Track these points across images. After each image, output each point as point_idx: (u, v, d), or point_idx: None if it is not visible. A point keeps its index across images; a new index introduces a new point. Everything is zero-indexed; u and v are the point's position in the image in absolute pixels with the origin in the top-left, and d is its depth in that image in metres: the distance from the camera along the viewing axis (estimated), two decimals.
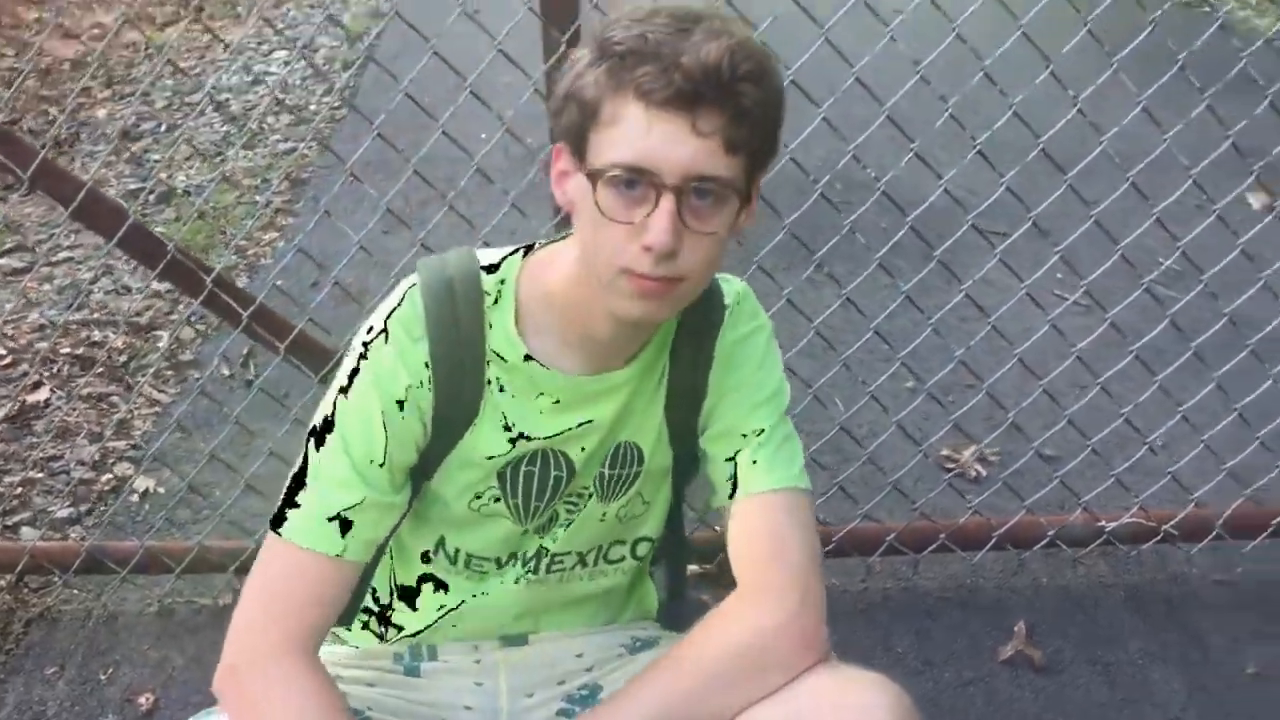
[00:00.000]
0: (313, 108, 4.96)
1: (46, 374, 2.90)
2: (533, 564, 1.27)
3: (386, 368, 1.13)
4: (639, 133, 1.01)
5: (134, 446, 2.65)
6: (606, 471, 1.25)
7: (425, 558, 1.28)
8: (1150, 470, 2.35)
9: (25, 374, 2.89)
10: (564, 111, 1.07)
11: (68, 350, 3.01)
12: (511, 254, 1.20)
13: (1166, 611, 2.18)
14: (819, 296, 3.01)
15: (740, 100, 1.01)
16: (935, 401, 2.33)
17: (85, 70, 5.44)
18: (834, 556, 2.18)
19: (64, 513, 2.44)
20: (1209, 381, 2.20)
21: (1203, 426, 2.28)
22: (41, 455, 2.59)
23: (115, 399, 2.83)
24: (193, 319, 3.20)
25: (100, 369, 2.91)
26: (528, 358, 1.16)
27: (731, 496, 1.21)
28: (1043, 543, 2.21)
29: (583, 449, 1.22)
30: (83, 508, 2.46)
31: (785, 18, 1.90)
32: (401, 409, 1.13)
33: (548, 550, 1.27)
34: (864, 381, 2.18)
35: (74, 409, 2.75)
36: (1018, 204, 2.06)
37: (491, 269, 1.18)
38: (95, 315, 3.20)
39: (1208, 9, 5.71)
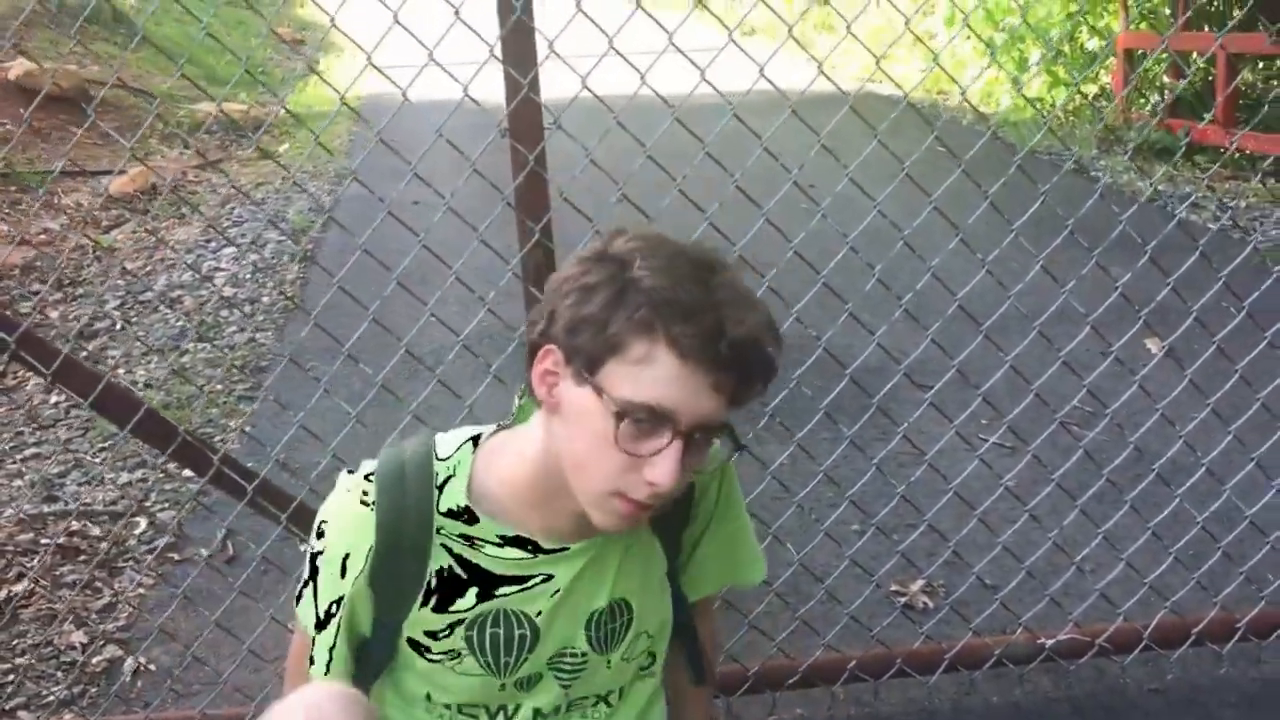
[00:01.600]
0: (265, 300, 5.18)
1: (29, 564, 2.99)
2: (554, 709, 1.40)
3: (339, 530, 1.30)
4: (669, 381, 1.12)
5: (122, 628, 2.75)
6: (593, 633, 1.35)
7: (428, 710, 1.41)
8: (1081, 590, 2.57)
9: (7, 565, 2.99)
10: (578, 331, 1.15)
11: (47, 541, 3.11)
12: (463, 444, 1.33)
13: None
14: (767, 451, 3.24)
15: (757, 370, 1.16)
16: (883, 537, 2.54)
17: (34, 274, 5.63)
18: (800, 688, 2.34)
19: (59, 695, 2.52)
20: (1123, 505, 2.45)
21: (1123, 546, 2.51)
22: (30, 642, 2.68)
23: (99, 584, 2.93)
24: (167, 505, 3.32)
25: (82, 557, 3.01)
26: (478, 518, 1.29)
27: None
28: (990, 663, 2.40)
29: (541, 609, 1.32)
30: (76, 689, 2.54)
31: (729, 202, 2.18)
32: (346, 566, 1.30)
33: (566, 697, 1.39)
34: (817, 520, 2.39)
35: (59, 597, 2.85)
36: (945, 362, 2.32)
37: (443, 459, 1.31)
38: (71, 506, 3.31)
39: (1094, 175, 6.23)
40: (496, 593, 1.31)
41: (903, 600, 2.70)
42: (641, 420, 1.13)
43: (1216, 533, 2.54)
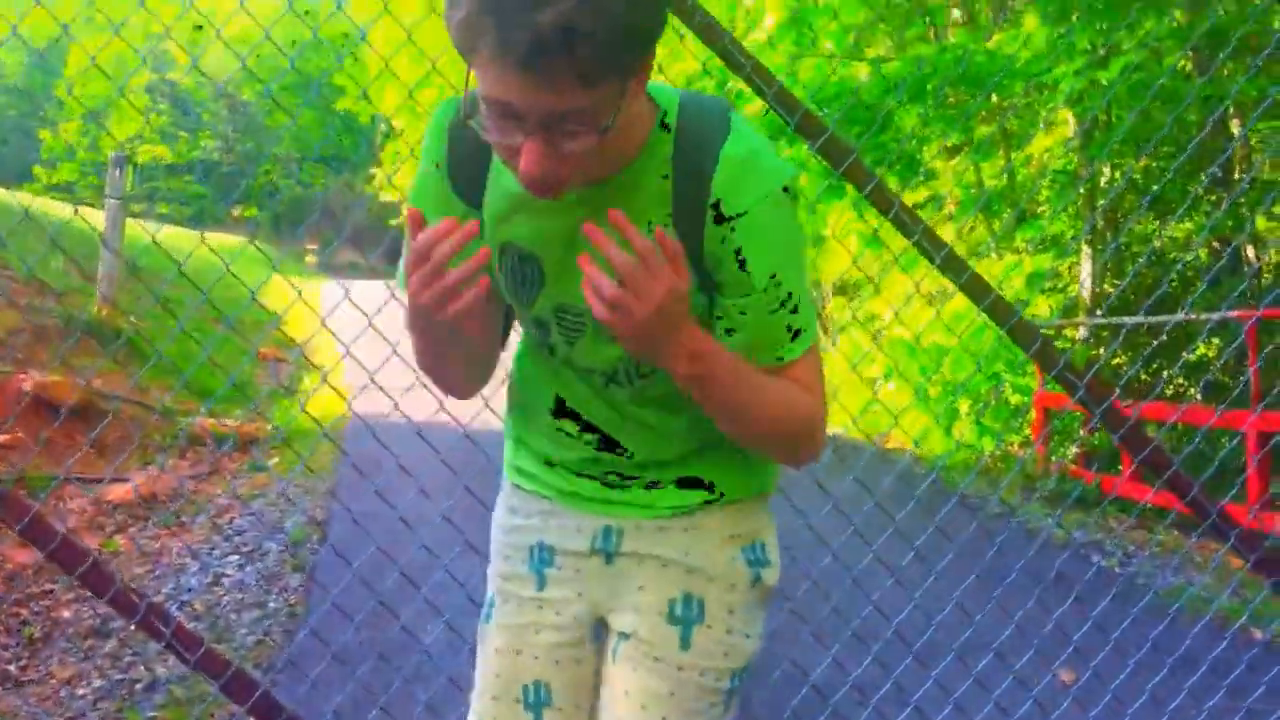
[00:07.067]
0: (271, 605, 5.58)
1: None
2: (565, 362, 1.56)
3: (427, 132, 1.50)
4: (502, 80, 1.18)
5: None
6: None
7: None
8: None
9: None
10: (454, 40, 1.20)
11: None
12: None
13: None
14: None
15: (573, 45, 1.13)
16: None
17: (45, 574, 5.99)
18: None
19: None
20: None
21: None
22: None
23: None
24: None
25: None
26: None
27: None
28: None
29: (548, 256, 1.44)
30: None
31: None
32: (434, 155, 1.50)
33: (572, 362, 1.54)
34: None
35: None
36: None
37: None
38: None
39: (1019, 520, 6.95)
40: (514, 220, 1.44)
41: None
42: (496, 114, 1.21)
43: None
